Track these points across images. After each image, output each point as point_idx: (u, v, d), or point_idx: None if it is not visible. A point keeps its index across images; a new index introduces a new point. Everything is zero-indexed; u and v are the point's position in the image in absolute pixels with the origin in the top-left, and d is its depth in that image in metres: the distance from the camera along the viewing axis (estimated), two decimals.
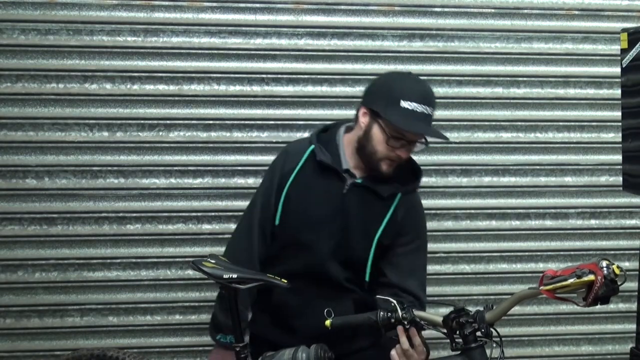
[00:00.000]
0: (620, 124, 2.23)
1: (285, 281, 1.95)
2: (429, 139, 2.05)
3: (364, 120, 2.04)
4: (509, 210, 2.87)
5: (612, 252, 2.89)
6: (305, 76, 2.72)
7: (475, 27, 2.79)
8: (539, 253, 2.90)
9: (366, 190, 2.07)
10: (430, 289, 2.41)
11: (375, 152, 2.00)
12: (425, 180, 2.74)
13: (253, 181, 2.71)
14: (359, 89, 2.74)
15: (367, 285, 2.09)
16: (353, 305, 2.06)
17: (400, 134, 1.96)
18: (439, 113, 2.77)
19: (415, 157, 2.72)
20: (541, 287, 1.51)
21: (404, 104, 1.94)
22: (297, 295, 2.05)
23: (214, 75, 2.69)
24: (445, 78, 2.79)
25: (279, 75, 2.72)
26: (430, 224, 2.53)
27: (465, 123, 2.81)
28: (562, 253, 2.91)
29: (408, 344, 1.77)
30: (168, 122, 2.68)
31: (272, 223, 2.11)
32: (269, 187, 2.14)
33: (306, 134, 2.72)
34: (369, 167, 2.05)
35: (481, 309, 1.70)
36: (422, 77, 2.74)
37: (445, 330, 1.71)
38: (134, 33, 2.64)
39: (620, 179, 2.22)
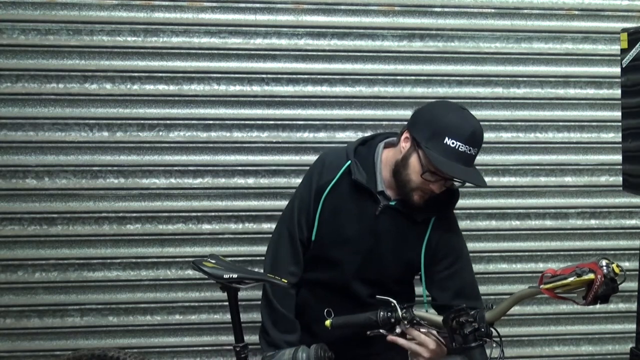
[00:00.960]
0: (620, 124, 2.23)
1: (285, 281, 1.95)
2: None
3: (404, 145, 1.95)
4: (509, 210, 2.87)
5: (612, 252, 2.89)
6: (305, 76, 2.72)
7: (475, 27, 2.79)
8: (539, 253, 2.90)
9: (399, 212, 2.01)
10: None
11: (409, 181, 1.93)
12: None
13: (253, 181, 2.71)
14: (359, 89, 2.74)
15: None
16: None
17: (436, 169, 1.88)
18: None
19: None
20: (541, 286, 1.51)
21: (448, 141, 1.84)
22: (320, 303, 2.03)
23: (214, 75, 2.69)
24: (445, 78, 2.79)
25: (279, 75, 2.72)
26: None
27: None
28: (562, 253, 2.91)
29: (413, 345, 1.77)
30: (168, 122, 2.68)
31: (310, 237, 2.08)
32: (306, 199, 2.09)
33: (306, 134, 2.73)
34: (401, 193, 1.98)
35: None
36: (422, 78, 2.77)
37: (445, 330, 1.71)
38: (134, 33, 2.64)
39: (620, 179, 2.22)
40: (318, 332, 2.05)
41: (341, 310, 1.86)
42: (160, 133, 2.68)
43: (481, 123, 2.77)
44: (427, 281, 2.05)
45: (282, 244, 2.11)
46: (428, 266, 2.03)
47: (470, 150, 1.87)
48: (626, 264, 2.85)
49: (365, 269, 2.04)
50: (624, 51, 2.10)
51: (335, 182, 2.04)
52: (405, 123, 1.98)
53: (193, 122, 2.69)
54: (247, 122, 2.71)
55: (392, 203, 2.01)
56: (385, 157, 2.04)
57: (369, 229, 2.02)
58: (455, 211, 2.77)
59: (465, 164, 1.87)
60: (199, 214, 2.72)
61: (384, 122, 2.72)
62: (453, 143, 1.85)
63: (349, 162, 2.04)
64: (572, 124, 2.87)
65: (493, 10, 2.80)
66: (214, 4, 2.67)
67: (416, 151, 1.90)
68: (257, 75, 2.71)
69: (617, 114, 2.40)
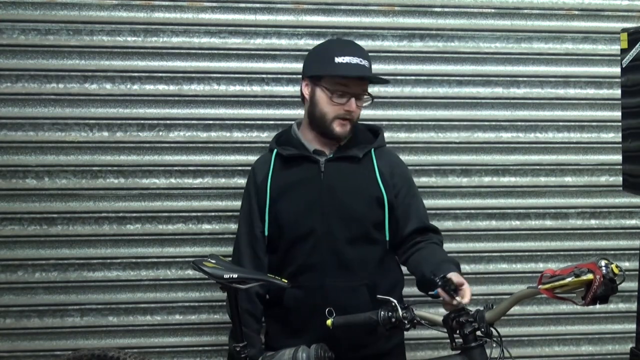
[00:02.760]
0: (620, 124, 2.23)
1: (286, 281, 1.95)
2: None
3: (306, 91, 2.13)
4: (509, 210, 2.87)
5: (612, 252, 2.89)
6: None
7: (475, 27, 2.79)
8: (539, 253, 2.90)
9: (342, 161, 2.13)
10: None
11: (324, 115, 2.08)
12: (425, 180, 2.75)
13: None
14: None
15: (389, 245, 2.15)
16: (367, 291, 2.08)
17: (342, 86, 2.04)
18: (439, 113, 2.79)
19: (413, 157, 2.73)
20: (540, 286, 1.51)
21: (338, 59, 2.04)
22: (313, 293, 2.07)
23: (214, 75, 2.69)
24: (445, 78, 2.79)
25: (279, 75, 2.72)
26: None
27: (465, 123, 2.81)
28: (562, 253, 2.91)
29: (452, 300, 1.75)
30: (168, 122, 2.68)
31: (263, 236, 2.15)
32: (248, 210, 2.20)
33: None
34: (325, 134, 2.12)
35: (481, 308, 1.70)
36: (422, 78, 2.77)
37: (445, 330, 1.71)
38: (134, 33, 2.64)
39: (620, 179, 2.22)
40: (316, 327, 1.98)
41: (334, 292, 1.99)
42: (160, 133, 2.68)
43: (481, 123, 2.81)
44: (393, 216, 2.13)
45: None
46: (390, 198, 2.12)
47: (362, 61, 2.08)
48: (626, 264, 2.85)
49: (338, 221, 2.09)
50: (624, 51, 2.10)
51: (272, 172, 2.15)
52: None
53: (193, 122, 2.69)
54: (247, 122, 2.71)
55: (331, 156, 2.14)
56: (302, 128, 2.20)
57: (323, 187, 2.10)
58: (455, 211, 2.81)
59: (363, 72, 2.07)
60: (199, 214, 2.72)
61: (384, 122, 2.72)
62: (343, 59, 2.04)
63: (275, 149, 2.17)
64: (572, 124, 2.87)
65: (493, 10, 2.80)
66: (214, 4, 2.67)
67: (317, 85, 2.08)
68: (257, 75, 2.71)
69: (617, 114, 2.40)
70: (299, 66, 2.69)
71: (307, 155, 2.13)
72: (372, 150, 2.17)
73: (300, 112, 2.70)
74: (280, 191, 2.13)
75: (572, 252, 2.90)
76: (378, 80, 2.16)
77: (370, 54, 2.69)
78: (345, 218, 2.09)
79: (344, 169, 2.12)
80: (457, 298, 1.71)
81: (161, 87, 2.67)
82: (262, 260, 2.17)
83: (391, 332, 1.79)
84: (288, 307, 2.11)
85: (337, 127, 2.09)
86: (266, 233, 2.14)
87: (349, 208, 2.09)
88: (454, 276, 1.78)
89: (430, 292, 1.80)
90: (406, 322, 1.73)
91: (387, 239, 2.13)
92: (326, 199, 2.09)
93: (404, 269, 2.24)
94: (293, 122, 2.28)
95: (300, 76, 2.67)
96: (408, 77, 2.77)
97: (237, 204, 2.69)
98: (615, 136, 2.83)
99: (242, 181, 2.71)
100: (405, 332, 2.15)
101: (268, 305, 2.21)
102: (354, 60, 2.06)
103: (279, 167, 2.15)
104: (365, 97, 2.13)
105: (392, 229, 2.14)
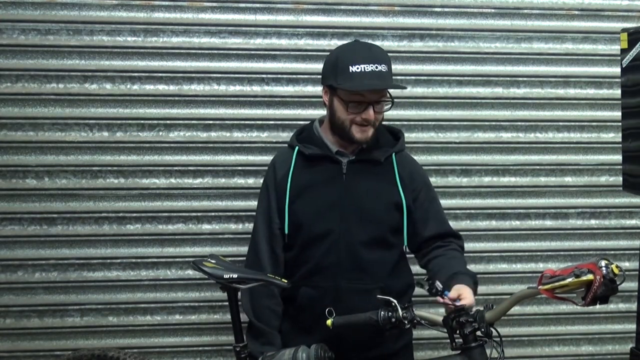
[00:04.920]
0: (620, 124, 2.23)
1: (285, 281, 1.95)
2: (394, 95, 2.11)
3: (326, 98, 2.12)
4: (509, 210, 2.87)
5: (612, 252, 2.89)
6: (305, 76, 2.72)
7: (475, 27, 2.79)
8: (539, 253, 2.90)
9: (363, 163, 2.12)
10: None
11: (342, 122, 2.06)
12: None
13: (253, 181, 2.71)
14: None
15: (409, 248, 2.18)
16: (381, 294, 2.05)
17: (358, 96, 2.02)
18: (439, 113, 2.79)
19: (414, 157, 2.73)
20: (540, 287, 1.51)
21: (352, 68, 2.00)
22: (327, 291, 2.07)
23: (214, 75, 2.69)
24: (445, 78, 2.79)
25: (279, 75, 2.72)
26: None
27: (465, 123, 2.81)
28: (562, 253, 2.91)
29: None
30: (168, 122, 2.68)
31: (282, 234, 2.14)
32: (267, 206, 2.18)
33: None
34: (346, 140, 2.10)
35: (481, 308, 1.70)
36: (422, 78, 2.77)
37: (445, 330, 1.71)
38: (134, 33, 2.64)
39: (620, 179, 2.23)
40: (327, 327, 1.99)
41: (348, 293, 1.99)
42: (160, 133, 2.68)
43: (481, 123, 2.81)
44: (411, 220, 2.13)
45: (249, 266, 2.16)
46: (409, 203, 2.13)
47: (377, 67, 2.02)
48: (626, 264, 2.85)
49: (357, 222, 2.09)
50: (624, 51, 2.10)
51: (292, 170, 2.14)
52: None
53: (193, 122, 2.69)
54: (247, 122, 2.71)
55: (352, 157, 2.13)
56: (324, 127, 2.18)
57: (343, 188, 2.10)
58: (455, 211, 2.81)
59: (380, 81, 2.02)
60: (199, 214, 2.72)
61: (385, 122, 2.71)
62: (358, 68, 2.00)
63: (297, 147, 2.15)
64: (572, 124, 2.87)
65: (493, 10, 2.80)
66: (214, 4, 2.67)
67: (334, 94, 2.06)
68: (257, 75, 2.71)
69: (617, 114, 2.40)
70: (299, 66, 2.72)
71: (329, 156, 2.13)
72: (393, 154, 2.17)
73: (300, 112, 2.73)
74: (300, 190, 2.12)
75: (572, 252, 2.91)
76: (393, 87, 2.10)
77: None
78: (363, 220, 2.09)
79: (365, 171, 2.12)
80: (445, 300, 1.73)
81: (161, 87, 2.67)
82: (279, 257, 2.16)
83: (392, 332, 1.79)
84: (301, 306, 2.12)
85: (357, 134, 2.07)
86: (286, 231, 2.12)
87: (368, 210, 2.09)
88: (455, 289, 1.79)
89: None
90: (406, 322, 1.73)
91: (405, 243, 2.14)
92: (346, 200, 2.09)
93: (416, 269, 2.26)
94: (315, 119, 2.25)
95: (302, 76, 2.72)
96: (408, 77, 2.77)
97: (237, 204, 2.72)
98: (615, 136, 2.83)
99: (242, 181, 2.72)
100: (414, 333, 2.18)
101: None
102: (369, 67, 2.00)
103: (300, 165, 2.14)
104: (385, 101, 2.09)
105: (410, 233, 2.14)
